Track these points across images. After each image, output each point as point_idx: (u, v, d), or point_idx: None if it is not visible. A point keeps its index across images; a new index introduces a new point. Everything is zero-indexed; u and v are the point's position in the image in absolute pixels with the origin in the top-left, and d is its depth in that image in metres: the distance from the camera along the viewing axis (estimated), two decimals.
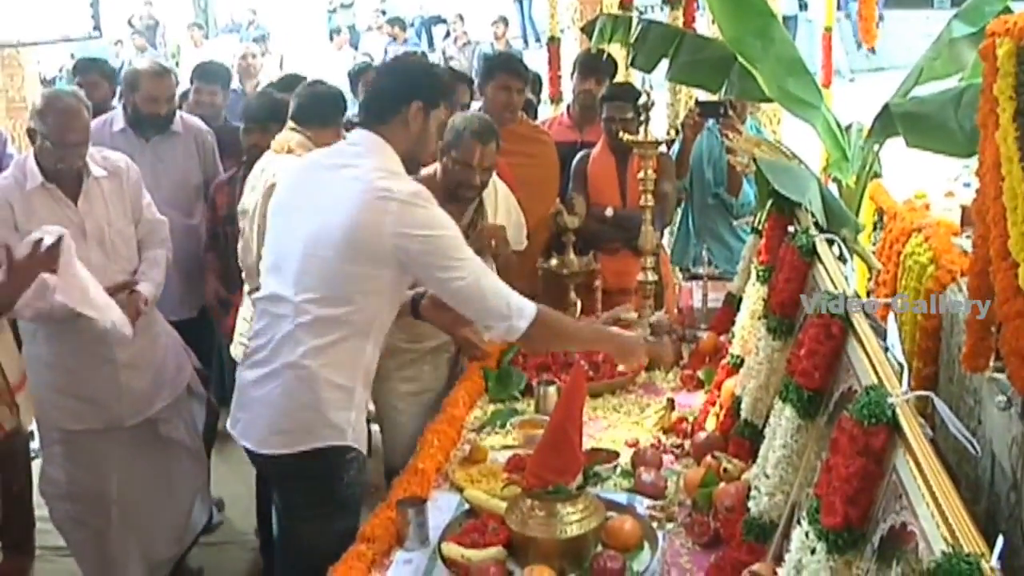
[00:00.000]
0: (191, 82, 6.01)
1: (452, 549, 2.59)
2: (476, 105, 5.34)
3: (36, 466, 4.48)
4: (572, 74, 5.67)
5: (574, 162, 5.05)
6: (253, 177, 4.06)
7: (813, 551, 1.84)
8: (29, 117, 4.03)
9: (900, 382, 1.99)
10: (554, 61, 7.39)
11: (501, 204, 4.13)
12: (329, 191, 2.94)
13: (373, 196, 2.85)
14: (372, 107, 3.12)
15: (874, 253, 4.70)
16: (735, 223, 5.24)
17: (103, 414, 4.04)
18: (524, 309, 2.90)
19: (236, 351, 4.19)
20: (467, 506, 2.87)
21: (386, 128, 3.02)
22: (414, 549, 2.72)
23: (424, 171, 3.79)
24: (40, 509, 4.49)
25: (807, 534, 1.87)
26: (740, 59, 3.96)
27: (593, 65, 5.41)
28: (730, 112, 5.06)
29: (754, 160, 3.59)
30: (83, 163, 3.95)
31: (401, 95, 3.04)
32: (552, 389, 3.53)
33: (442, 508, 2.90)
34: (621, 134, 4.34)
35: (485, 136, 3.85)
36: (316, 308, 2.89)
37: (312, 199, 2.98)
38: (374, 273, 2.89)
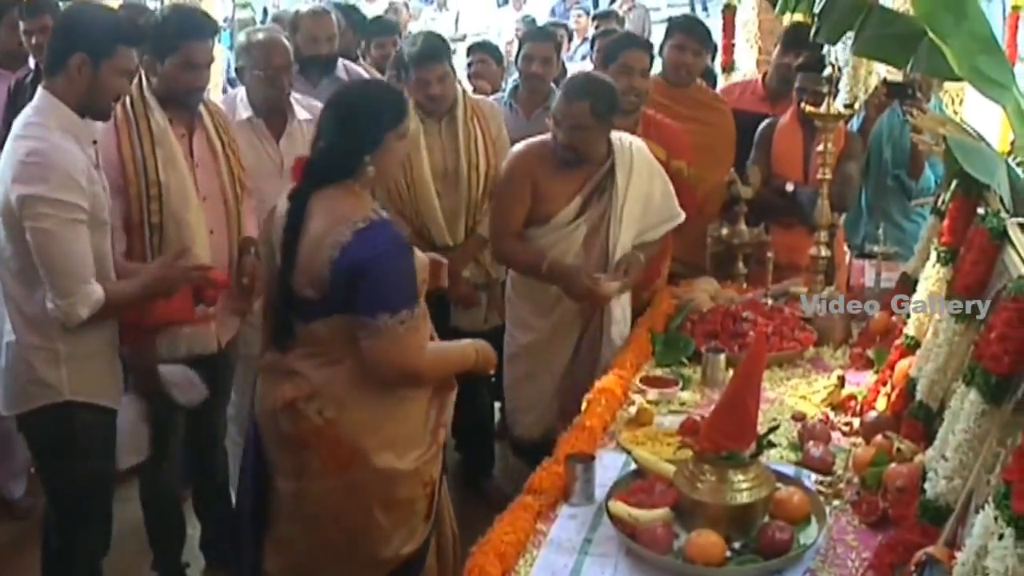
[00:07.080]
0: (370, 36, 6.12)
1: (619, 507, 2.62)
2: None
3: None
4: (775, 45, 5.47)
5: (759, 128, 4.94)
6: None
7: (1000, 537, 1.81)
8: (236, 58, 4.20)
9: None
10: (728, 29, 7.24)
11: (638, 167, 3.94)
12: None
13: (8, 156, 2.97)
14: (45, 61, 3.13)
15: None
16: (911, 204, 5.11)
17: None
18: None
19: None
20: (633, 466, 2.90)
21: (54, 82, 3.03)
22: (579, 504, 2.76)
23: (539, 138, 3.96)
24: None
25: (995, 519, 1.84)
26: (930, 34, 3.83)
27: (799, 39, 4.88)
28: (918, 93, 4.92)
29: (943, 139, 3.50)
30: (288, 100, 4.08)
31: (64, 48, 3.02)
32: (720, 357, 3.52)
33: (607, 466, 2.93)
34: (803, 105, 4.27)
35: (571, 92, 3.80)
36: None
37: None
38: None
